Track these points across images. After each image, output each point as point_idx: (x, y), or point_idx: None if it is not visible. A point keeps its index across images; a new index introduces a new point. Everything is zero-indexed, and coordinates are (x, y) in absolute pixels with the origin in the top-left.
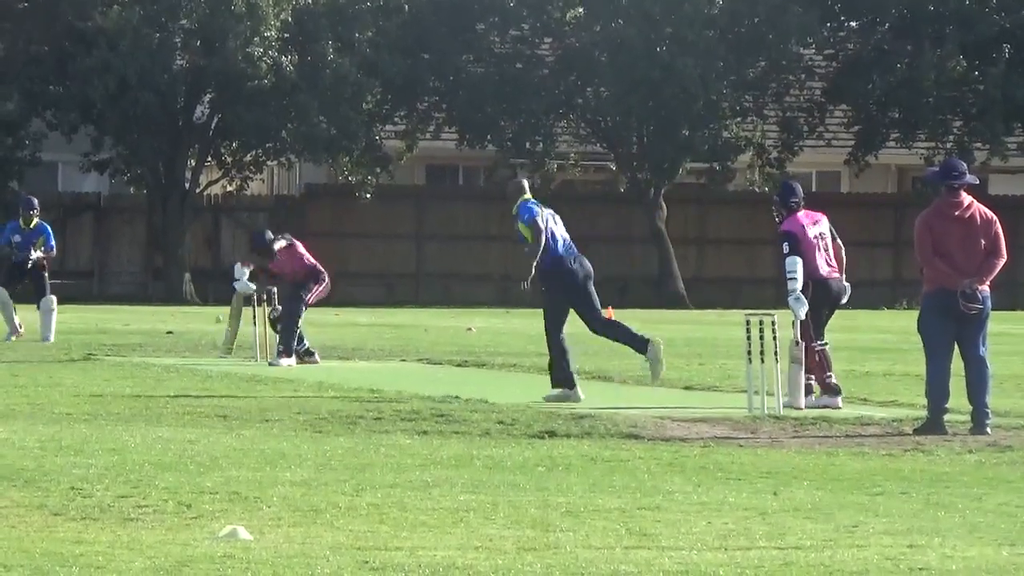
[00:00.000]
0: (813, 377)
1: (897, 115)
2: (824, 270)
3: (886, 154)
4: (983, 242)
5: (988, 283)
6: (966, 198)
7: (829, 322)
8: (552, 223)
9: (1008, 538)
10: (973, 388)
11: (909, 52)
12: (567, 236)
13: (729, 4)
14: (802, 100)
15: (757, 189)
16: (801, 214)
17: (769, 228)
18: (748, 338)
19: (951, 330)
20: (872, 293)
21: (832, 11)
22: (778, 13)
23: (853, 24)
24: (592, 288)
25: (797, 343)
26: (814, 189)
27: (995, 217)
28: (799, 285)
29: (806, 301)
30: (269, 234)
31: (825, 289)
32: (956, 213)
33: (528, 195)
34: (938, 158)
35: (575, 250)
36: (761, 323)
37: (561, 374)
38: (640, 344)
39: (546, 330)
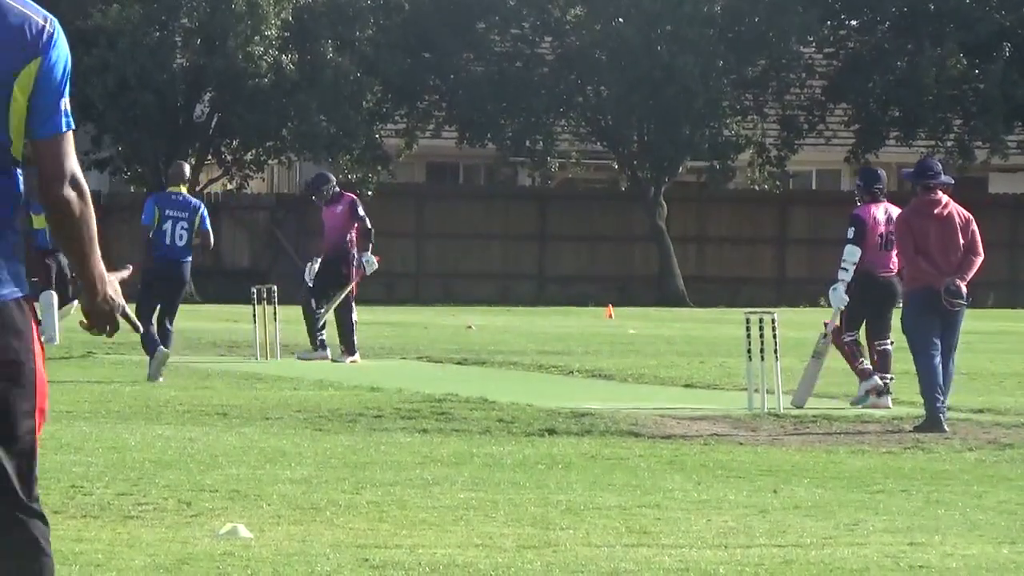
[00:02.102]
0: (889, 376)
1: (897, 113)
2: (874, 266)
3: (886, 152)
4: (961, 240)
5: (967, 281)
6: (942, 197)
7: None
8: (171, 225)
9: (1008, 536)
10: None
11: (909, 51)
12: (181, 242)
13: (729, 2)
14: (802, 98)
15: (757, 188)
16: (882, 206)
17: (769, 226)
18: (748, 336)
19: (936, 326)
20: None
21: (832, 9)
22: (778, 12)
23: (853, 23)
24: (177, 292)
25: (825, 336)
26: (814, 188)
27: (971, 216)
28: (847, 277)
29: (845, 295)
30: (332, 180)
31: (869, 286)
32: (934, 211)
33: (179, 187)
34: (938, 156)
35: (176, 254)
36: (761, 321)
37: (150, 349)
38: (149, 348)
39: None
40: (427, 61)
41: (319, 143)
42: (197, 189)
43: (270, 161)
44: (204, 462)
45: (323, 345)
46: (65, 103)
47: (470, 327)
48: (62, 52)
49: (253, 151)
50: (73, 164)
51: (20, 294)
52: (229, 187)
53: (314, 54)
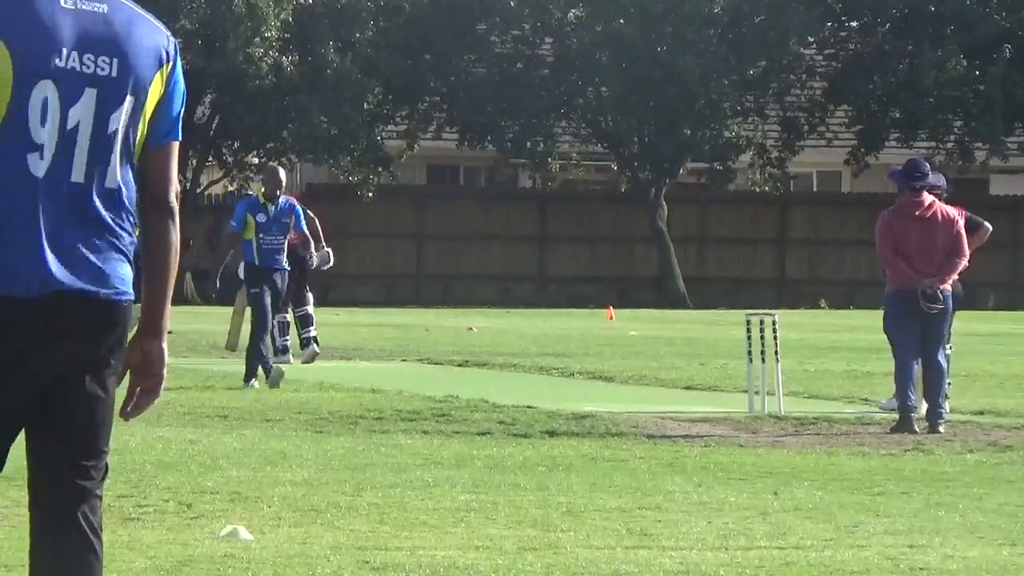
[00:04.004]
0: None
1: (898, 115)
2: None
3: (887, 154)
4: (941, 242)
5: (949, 282)
6: (927, 198)
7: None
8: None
9: (1009, 538)
10: (929, 389)
11: (910, 52)
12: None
13: (730, 3)
14: (803, 100)
15: (758, 189)
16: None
17: (770, 228)
18: (749, 338)
19: (916, 328)
20: (873, 293)
21: (833, 11)
22: (779, 12)
23: (854, 24)
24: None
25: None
26: (815, 189)
27: (957, 217)
28: None
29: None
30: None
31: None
32: (917, 213)
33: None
34: (938, 158)
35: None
36: (762, 323)
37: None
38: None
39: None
40: (428, 62)
41: (320, 145)
42: (198, 191)
43: (271, 163)
44: (205, 464)
45: (286, 350)
46: (181, 113)
47: (471, 329)
48: (179, 64)
49: (254, 153)
50: (176, 175)
51: (132, 297)
52: (230, 189)
53: (315, 55)
